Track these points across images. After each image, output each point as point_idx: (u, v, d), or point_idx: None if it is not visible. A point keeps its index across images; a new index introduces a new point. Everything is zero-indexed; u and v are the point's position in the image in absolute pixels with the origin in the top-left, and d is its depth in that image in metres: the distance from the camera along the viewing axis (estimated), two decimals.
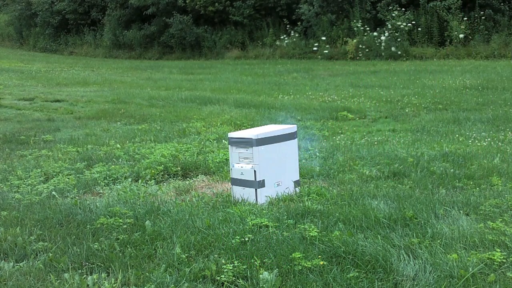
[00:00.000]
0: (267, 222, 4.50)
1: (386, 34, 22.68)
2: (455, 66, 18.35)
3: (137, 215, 4.89)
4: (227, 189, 5.75)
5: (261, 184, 5.25)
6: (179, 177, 6.58)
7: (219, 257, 3.89)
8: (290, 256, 3.80)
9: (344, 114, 10.85)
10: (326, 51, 23.84)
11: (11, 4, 36.61)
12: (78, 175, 6.58)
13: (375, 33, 22.98)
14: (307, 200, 5.17)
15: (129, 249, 4.12)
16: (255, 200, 5.23)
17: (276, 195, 5.37)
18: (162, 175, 6.57)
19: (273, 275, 3.54)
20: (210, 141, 8.43)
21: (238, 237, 4.18)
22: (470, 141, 7.96)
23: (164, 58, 28.83)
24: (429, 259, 3.73)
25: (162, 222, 4.70)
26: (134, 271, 3.72)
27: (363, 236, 4.18)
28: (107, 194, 5.80)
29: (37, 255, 4.13)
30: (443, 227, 4.33)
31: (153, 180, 6.33)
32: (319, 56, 23.90)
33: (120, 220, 4.69)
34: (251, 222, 4.49)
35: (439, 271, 3.57)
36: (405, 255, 3.79)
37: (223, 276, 3.59)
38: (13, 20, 36.77)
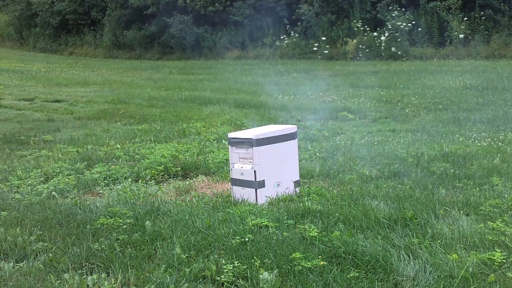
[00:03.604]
0: (267, 222, 4.50)
1: (386, 34, 22.69)
2: (455, 66, 18.35)
3: (137, 215, 4.89)
4: (227, 189, 5.75)
5: (261, 184, 5.25)
6: (179, 177, 6.58)
7: (219, 258, 3.89)
8: (290, 256, 3.80)
9: (344, 114, 10.85)
10: (326, 51, 23.85)
11: (11, 4, 36.58)
12: (78, 175, 6.57)
13: (375, 33, 22.99)
14: (307, 200, 5.17)
15: (129, 249, 4.12)
16: (255, 200, 5.23)
17: (276, 195, 5.37)
18: (162, 175, 6.57)
19: (273, 275, 3.54)
20: (210, 141, 8.43)
21: (238, 238, 4.18)
22: (470, 141, 7.96)
23: (164, 58, 28.84)
24: (429, 259, 3.73)
25: (162, 222, 4.70)
26: (134, 271, 3.72)
27: (363, 236, 4.18)
28: (107, 194, 5.80)
29: (37, 255, 4.13)
30: (443, 227, 4.33)
31: (153, 180, 6.33)
32: (319, 56, 23.91)
33: (120, 221, 4.69)
34: (251, 223, 4.49)
35: (439, 271, 3.57)
36: (405, 255, 3.79)
37: (223, 276, 3.59)
38: (13, 20, 36.78)
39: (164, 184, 6.30)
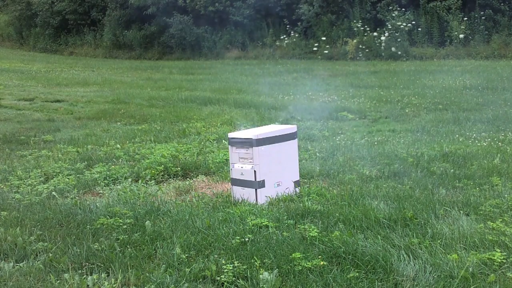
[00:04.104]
0: (267, 222, 4.50)
1: (386, 34, 22.69)
2: (455, 66, 18.34)
3: (137, 215, 4.89)
4: (227, 189, 5.75)
5: (261, 184, 5.25)
6: (179, 177, 6.58)
7: (219, 258, 3.89)
8: (290, 256, 3.80)
9: (344, 114, 10.85)
10: (326, 51, 23.85)
11: (11, 4, 36.57)
12: (78, 175, 6.57)
13: (375, 33, 22.99)
14: (307, 200, 5.17)
15: (129, 249, 4.12)
16: (255, 200, 5.23)
17: (276, 195, 5.37)
18: (162, 175, 6.57)
19: (273, 275, 3.54)
20: (210, 142, 8.43)
21: (238, 238, 4.18)
22: (470, 141, 7.95)
23: (164, 58, 28.83)
24: (429, 259, 3.73)
25: (162, 222, 4.70)
26: (134, 271, 3.72)
27: (363, 236, 4.18)
28: (107, 194, 5.80)
29: (37, 255, 4.13)
30: (443, 227, 4.33)
31: (153, 181, 6.33)
32: (319, 56, 23.91)
33: (120, 221, 4.69)
34: (251, 223, 4.49)
35: (439, 271, 3.57)
36: (405, 255, 3.79)
37: (223, 276, 3.59)
38: (13, 20, 36.77)
39: (164, 184, 6.30)
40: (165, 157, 7.12)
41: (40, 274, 3.79)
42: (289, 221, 4.57)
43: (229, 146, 5.46)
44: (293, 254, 3.80)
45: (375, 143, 8.08)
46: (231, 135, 5.48)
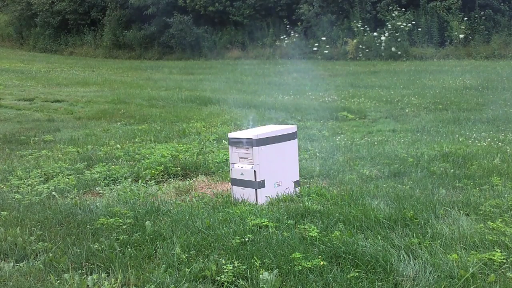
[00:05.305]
0: (267, 222, 4.50)
1: (386, 34, 22.71)
2: (455, 66, 18.35)
3: (137, 215, 4.89)
4: (227, 189, 5.75)
5: (261, 184, 5.24)
6: (179, 177, 6.58)
7: (219, 258, 3.89)
8: (290, 256, 3.79)
9: (344, 114, 10.85)
10: (326, 51, 23.87)
11: (11, 4, 36.59)
12: (78, 175, 6.57)
13: (375, 33, 23.01)
14: (307, 200, 5.17)
15: (129, 249, 4.12)
16: (255, 200, 5.23)
17: (276, 195, 5.37)
18: (162, 175, 6.57)
19: (273, 275, 3.54)
20: (210, 142, 8.43)
21: (238, 238, 4.18)
22: (470, 141, 7.96)
23: (164, 58, 28.85)
24: (429, 259, 3.73)
25: (162, 222, 4.70)
26: (134, 271, 3.72)
27: (363, 236, 4.18)
28: (107, 194, 5.80)
29: (37, 255, 4.13)
30: (443, 227, 4.33)
31: (153, 181, 6.33)
32: (319, 56, 23.92)
33: (120, 221, 4.69)
34: (251, 223, 4.49)
35: (439, 271, 3.57)
36: (405, 255, 3.79)
37: (223, 276, 3.59)
38: (13, 20, 36.78)
39: (164, 184, 6.30)
40: (165, 157, 7.12)
41: (40, 274, 3.79)
42: (289, 221, 4.57)
43: (229, 146, 5.46)
44: (293, 254, 3.80)
45: (375, 143, 8.08)
46: (231, 135, 5.48)
